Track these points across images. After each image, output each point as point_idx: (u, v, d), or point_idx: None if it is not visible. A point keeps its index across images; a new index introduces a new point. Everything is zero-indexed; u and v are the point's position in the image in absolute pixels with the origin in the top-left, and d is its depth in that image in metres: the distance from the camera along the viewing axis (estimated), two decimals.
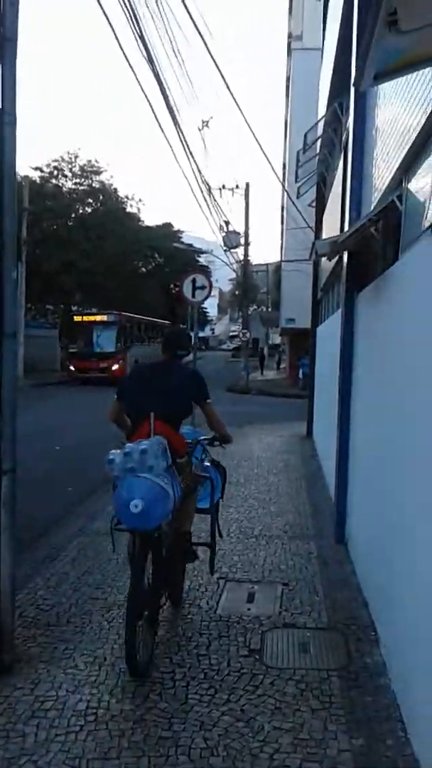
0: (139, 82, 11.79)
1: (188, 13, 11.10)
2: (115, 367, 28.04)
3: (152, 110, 18.93)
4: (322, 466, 10.09)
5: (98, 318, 30.44)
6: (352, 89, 6.51)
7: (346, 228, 6.06)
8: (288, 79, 35.26)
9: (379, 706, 3.54)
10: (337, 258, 8.12)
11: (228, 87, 33.02)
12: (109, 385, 25.73)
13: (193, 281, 12.69)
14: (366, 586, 5.09)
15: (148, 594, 4.03)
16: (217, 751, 3.12)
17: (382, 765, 3.03)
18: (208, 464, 4.89)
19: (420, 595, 3.20)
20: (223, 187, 28.72)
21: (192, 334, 14.06)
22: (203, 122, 23.72)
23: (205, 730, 3.29)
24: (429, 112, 3.38)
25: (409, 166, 4.27)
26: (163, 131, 37.31)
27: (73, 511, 7.46)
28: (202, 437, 4.79)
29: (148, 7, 12.46)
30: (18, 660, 3.98)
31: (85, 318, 31.07)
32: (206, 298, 13.11)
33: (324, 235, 11.57)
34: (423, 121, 3.55)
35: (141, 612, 3.84)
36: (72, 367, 29.24)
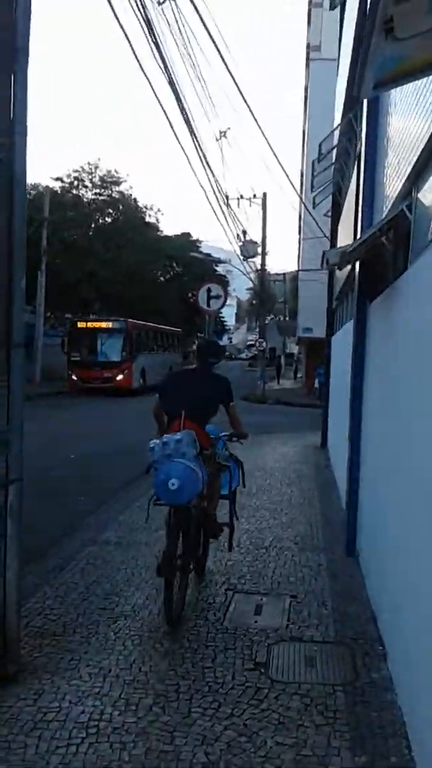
0: (156, 94, 11.90)
1: (204, 26, 11.16)
2: (119, 377, 26.70)
3: (169, 122, 19.03)
4: (336, 476, 10.02)
5: (103, 324, 28.60)
6: (366, 102, 6.51)
7: (359, 237, 6.03)
8: (306, 89, 35.37)
9: (385, 722, 3.48)
10: (350, 268, 8.09)
11: (243, 97, 33.12)
12: (114, 395, 25.84)
13: (208, 290, 12.73)
14: (375, 600, 5.03)
15: (180, 559, 4.81)
16: (218, 767, 3.08)
17: None
18: (227, 456, 5.57)
19: (428, 610, 3.14)
20: (241, 197, 28.75)
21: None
22: (221, 132, 23.79)
23: (207, 745, 3.26)
24: None
25: (418, 176, 4.24)
26: (179, 142, 37.48)
27: (85, 521, 7.46)
28: (222, 434, 5.53)
29: (165, 17, 12.55)
30: (23, 670, 3.97)
31: (89, 324, 28.94)
32: (221, 307, 13.14)
33: (339, 245, 11.54)
34: None
35: (174, 573, 4.60)
36: (74, 377, 27.41)
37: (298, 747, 3.23)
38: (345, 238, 9.84)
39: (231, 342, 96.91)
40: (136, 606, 4.99)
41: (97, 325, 28.69)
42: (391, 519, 4.44)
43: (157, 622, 4.70)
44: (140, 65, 11.46)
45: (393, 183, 5.15)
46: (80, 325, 28.87)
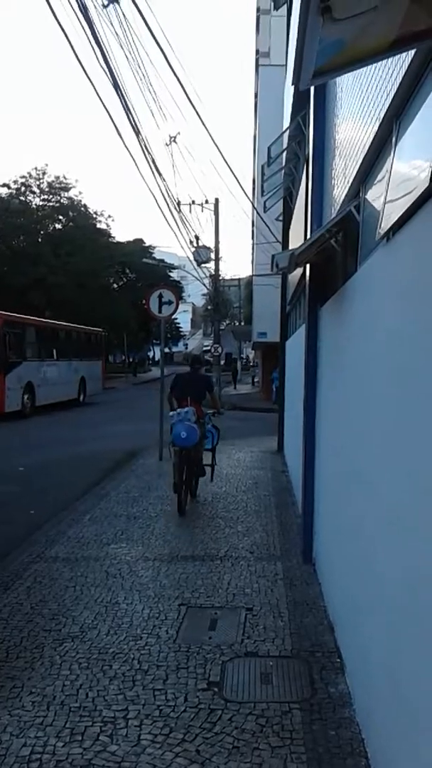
0: (101, 98, 11.70)
1: (148, 28, 11.02)
2: None
3: (115, 127, 18.78)
4: (292, 482, 9.93)
5: None
6: (312, 101, 6.44)
7: (308, 239, 5.94)
8: (256, 95, 35.52)
9: (343, 740, 3.34)
10: (301, 272, 8.02)
11: (191, 101, 33.02)
12: None
13: (160, 296, 12.54)
14: (332, 610, 4.91)
15: (184, 482, 8.23)
16: None
17: None
18: (211, 426, 9.20)
19: (383, 619, 3.03)
20: (193, 202, 28.60)
21: (195, 351, 13.87)
22: (170, 138, 23.59)
23: None
24: (382, 117, 3.26)
25: (365, 176, 4.16)
26: (127, 148, 37.26)
27: (33, 536, 7.17)
28: (209, 411, 9.10)
29: (111, 26, 12.32)
30: None
31: None
32: (173, 313, 12.95)
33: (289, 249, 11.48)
34: (377, 128, 3.44)
35: (181, 490, 8.05)
36: None
37: None
38: (296, 242, 9.78)
39: (186, 348, 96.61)
40: (84, 626, 4.76)
41: None
42: (347, 525, 4.33)
43: (105, 642, 4.49)
44: (83, 69, 11.20)
45: (341, 184, 5.07)
46: None
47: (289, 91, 11.82)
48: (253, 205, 23.63)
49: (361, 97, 4.04)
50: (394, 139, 3.21)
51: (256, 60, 35.07)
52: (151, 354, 67.45)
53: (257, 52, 34.79)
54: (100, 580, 5.69)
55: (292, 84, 5.46)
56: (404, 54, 2.59)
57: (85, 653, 4.34)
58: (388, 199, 3.21)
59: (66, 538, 7.02)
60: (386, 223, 3.12)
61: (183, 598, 5.30)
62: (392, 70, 3.05)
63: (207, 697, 3.79)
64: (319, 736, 3.39)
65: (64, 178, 36.87)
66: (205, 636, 4.62)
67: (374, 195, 3.89)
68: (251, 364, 52.60)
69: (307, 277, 6.64)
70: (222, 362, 33.49)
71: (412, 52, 2.50)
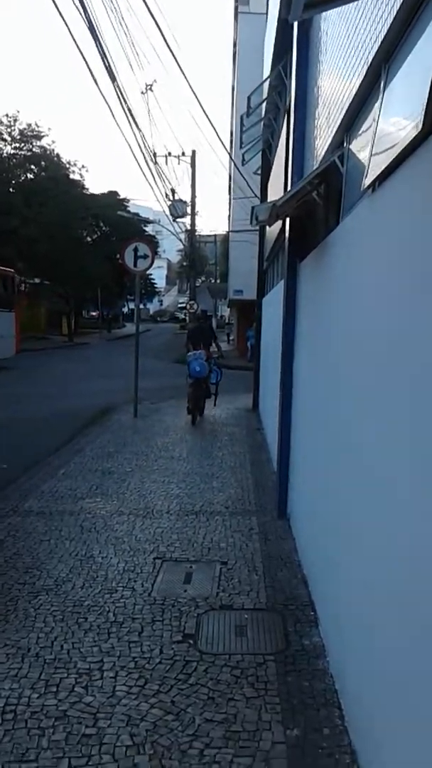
0: (75, 40, 11.21)
1: None
2: None
3: (90, 71, 18.04)
4: (267, 439, 9.97)
5: None
6: (295, 48, 6.23)
7: (289, 190, 5.80)
8: (235, 44, 34.51)
9: (317, 691, 3.40)
10: (280, 227, 7.88)
11: (171, 50, 32.14)
12: None
13: (135, 250, 12.26)
14: (306, 563, 4.96)
15: (199, 402, 11.73)
16: (143, 749, 2.92)
17: (317, 758, 2.87)
18: (216, 367, 12.32)
19: (357, 573, 3.05)
20: (169, 154, 27.93)
21: (143, 306, 13.69)
22: (147, 86, 22.85)
23: (132, 726, 3.09)
24: (370, 62, 3.14)
25: (350, 124, 4.03)
26: (102, 95, 36.11)
27: (5, 490, 7.10)
28: (214, 355, 12.39)
29: None
30: None
31: None
32: (149, 267, 12.71)
33: None
34: (364, 73, 3.31)
35: (195, 411, 11.61)
36: None
37: (227, 723, 3.10)
38: (275, 196, 9.59)
39: (162, 305, 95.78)
40: (59, 579, 4.75)
41: None
42: (321, 481, 4.34)
43: (80, 595, 4.49)
44: (57, 9, 10.64)
45: (324, 135, 4.93)
46: None
47: (270, 39, 11.46)
48: (231, 158, 23.16)
49: (347, 42, 3.88)
50: (382, 85, 3.09)
51: (236, 7, 33.94)
52: (125, 310, 66.64)
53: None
54: (75, 534, 5.68)
55: (282, 17, 5.24)
56: None
57: (60, 606, 4.33)
58: (374, 148, 3.11)
59: (40, 493, 6.97)
60: (372, 173, 3.03)
61: (158, 552, 5.32)
62: (382, 10, 2.92)
63: (182, 649, 3.81)
64: (293, 687, 3.43)
65: (37, 125, 35.66)
66: (180, 589, 4.64)
67: (359, 144, 3.78)
68: (226, 321, 52.38)
69: (287, 232, 6.52)
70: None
71: None
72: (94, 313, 58.29)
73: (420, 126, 2.21)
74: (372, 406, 2.90)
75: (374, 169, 2.98)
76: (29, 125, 35.38)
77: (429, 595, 2.00)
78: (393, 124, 2.78)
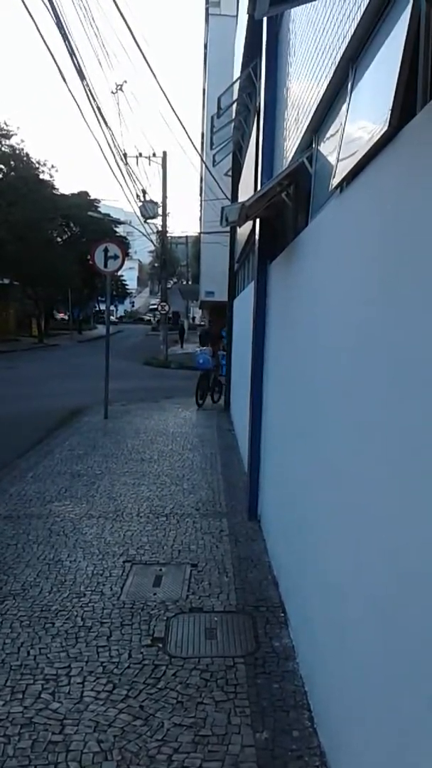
0: (43, 38, 11.10)
1: None
2: None
3: (59, 69, 17.69)
4: (238, 440, 9.96)
5: None
6: (264, 50, 6.23)
7: (258, 190, 5.80)
8: (205, 46, 34.54)
9: (287, 693, 3.38)
10: (250, 229, 7.89)
11: (141, 49, 31.98)
12: None
13: (105, 250, 12.17)
14: (276, 565, 4.95)
15: (205, 390, 14.52)
16: (111, 755, 2.87)
17: (286, 760, 2.85)
18: (224, 360, 14.47)
19: (327, 574, 3.04)
20: (140, 155, 27.81)
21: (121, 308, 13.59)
22: (117, 86, 22.71)
23: (100, 732, 3.04)
24: (338, 61, 3.14)
25: (319, 125, 4.04)
26: (71, 93, 35.80)
27: None
28: (221, 351, 14.97)
29: None
30: None
31: None
32: (119, 268, 12.62)
33: None
34: (332, 73, 3.32)
35: (202, 399, 14.30)
36: None
37: (196, 727, 3.07)
38: (245, 198, 9.61)
39: (133, 306, 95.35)
40: (26, 584, 4.66)
41: None
42: (292, 483, 4.33)
43: (48, 599, 4.42)
44: (25, 5, 10.49)
45: (293, 136, 4.94)
46: None
47: (241, 41, 11.48)
48: (202, 159, 23.14)
49: (315, 42, 3.89)
50: (350, 85, 3.10)
51: (206, 9, 33.97)
52: (96, 310, 66.13)
53: (207, 1, 33.69)
54: (43, 538, 5.59)
55: (247, 13, 5.24)
56: None
57: (27, 611, 4.25)
58: (342, 148, 3.11)
59: (8, 496, 6.86)
60: (340, 173, 3.03)
61: (128, 555, 5.26)
62: (349, 10, 2.92)
63: (151, 653, 3.77)
64: (263, 689, 3.41)
65: (5, 124, 35.17)
66: (150, 592, 4.59)
67: (328, 145, 3.79)
68: (198, 324, 52.36)
69: (257, 233, 6.53)
70: (169, 320, 33.12)
71: None
72: (62, 315, 57.75)
73: (386, 126, 2.21)
74: (340, 406, 2.90)
75: (342, 169, 2.98)
76: None
77: (398, 596, 1.99)
78: (360, 124, 2.79)
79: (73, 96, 40.12)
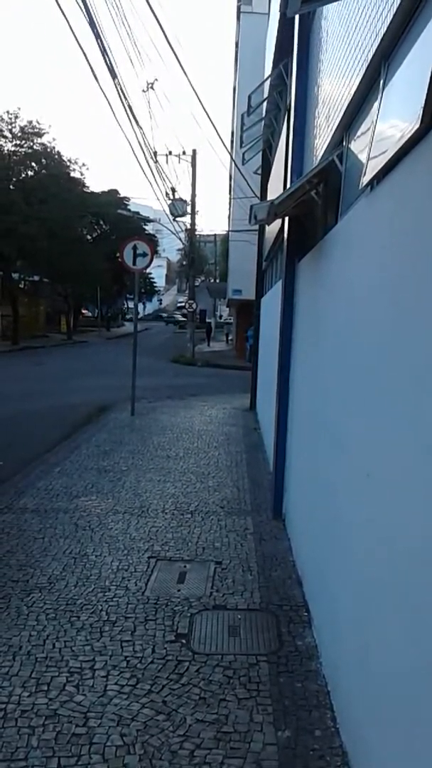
0: (77, 38, 11.19)
1: None
2: None
3: (91, 68, 17.81)
4: (264, 439, 9.95)
5: None
6: (295, 48, 6.20)
7: (288, 188, 5.78)
8: (236, 44, 34.46)
9: (309, 693, 3.37)
10: (279, 227, 7.86)
11: (172, 48, 31.97)
12: None
13: (134, 248, 12.24)
14: (301, 564, 4.94)
15: None
16: (133, 749, 2.90)
17: (308, 759, 2.85)
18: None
19: (351, 574, 3.02)
20: (170, 153, 27.98)
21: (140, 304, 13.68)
22: (148, 84, 22.76)
23: (123, 726, 3.07)
24: (370, 59, 3.12)
25: (349, 123, 4.01)
26: (103, 92, 35.96)
27: (1, 486, 7.07)
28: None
29: None
30: None
31: None
32: (148, 265, 12.68)
33: None
34: (364, 71, 3.29)
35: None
36: None
37: (219, 724, 3.08)
38: (274, 196, 9.58)
39: (161, 304, 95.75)
40: (53, 577, 4.72)
41: None
42: (316, 482, 4.31)
43: (74, 593, 4.46)
44: (59, 5, 10.56)
45: (323, 134, 4.91)
46: None
47: (272, 39, 11.43)
48: (232, 158, 23.12)
49: (347, 40, 3.86)
50: (381, 83, 3.07)
51: (238, 7, 33.90)
52: (125, 307, 66.54)
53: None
54: (69, 532, 5.65)
55: (280, 11, 5.22)
56: None
57: (53, 604, 4.31)
58: (373, 145, 3.08)
59: (35, 490, 6.94)
60: (371, 171, 3.01)
61: (152, 551, 5.29)
62: (382, 7, 2.89)
63: (175, 648, 3.79)
64: (285, 688, 3.41)
65: (37, 123, 35.49)
66: (174, 589, 4.61)
67: (359, 143, 3.76)
68: (225, 321, 52.36)
69: (286, 231, 6.50)
70: (197, 318, 33.23)
71: None
72: (86, 312, 58.11)
73: (419, 123, 2.19)
74: (369, 406, 2.88)
75: (373, 167, 2.95)
76: (30, 122, 35.21)
77: (424, 596, 1.97)
78: (391, 121, 2.76)
79: (104, 94, 40.32)
